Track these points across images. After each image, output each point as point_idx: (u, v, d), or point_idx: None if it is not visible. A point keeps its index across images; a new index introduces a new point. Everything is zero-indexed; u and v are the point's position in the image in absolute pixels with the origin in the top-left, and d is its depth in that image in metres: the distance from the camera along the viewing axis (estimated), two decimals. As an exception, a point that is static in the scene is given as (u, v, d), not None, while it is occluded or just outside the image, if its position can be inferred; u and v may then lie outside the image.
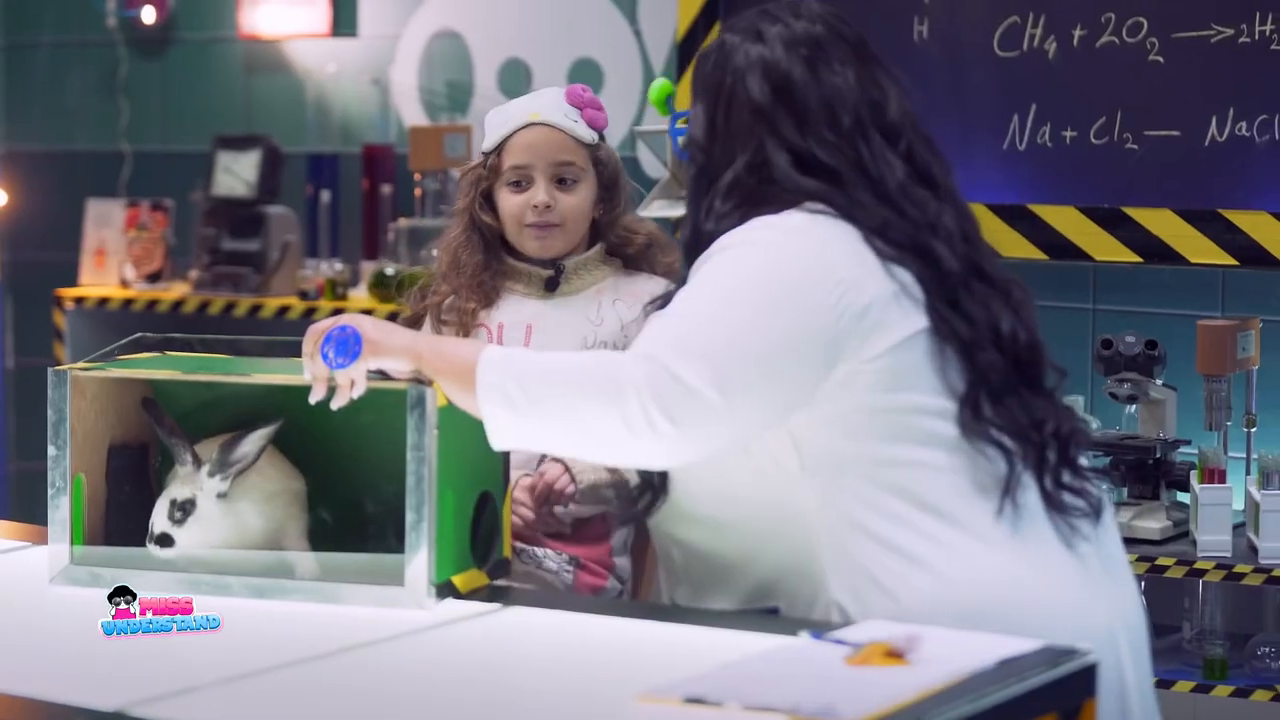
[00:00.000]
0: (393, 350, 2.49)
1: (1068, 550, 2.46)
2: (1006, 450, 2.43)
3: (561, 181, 3.13)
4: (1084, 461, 2.52)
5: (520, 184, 3.13)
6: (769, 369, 2.36)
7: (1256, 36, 4.11)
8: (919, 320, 2.42)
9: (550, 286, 3.15)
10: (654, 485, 2.56)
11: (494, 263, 3.16)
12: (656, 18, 4.96)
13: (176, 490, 2.65)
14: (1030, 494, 2.46)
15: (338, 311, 5.02)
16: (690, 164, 2.57)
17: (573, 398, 2.36)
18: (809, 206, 2.46)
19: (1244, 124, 4.14)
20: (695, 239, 2.51)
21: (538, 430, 2.40)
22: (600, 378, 2.35)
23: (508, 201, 3.14)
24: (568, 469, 2.99)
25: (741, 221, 2.46)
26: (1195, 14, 4.16)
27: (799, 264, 2.40)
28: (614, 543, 3.14)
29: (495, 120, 3.19)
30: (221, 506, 2.64)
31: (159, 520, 2.65)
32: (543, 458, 3.01)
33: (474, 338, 3.11)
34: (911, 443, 2.41)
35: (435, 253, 3.28)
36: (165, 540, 2.64)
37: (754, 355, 2.35)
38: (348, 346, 2.50)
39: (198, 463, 2.65)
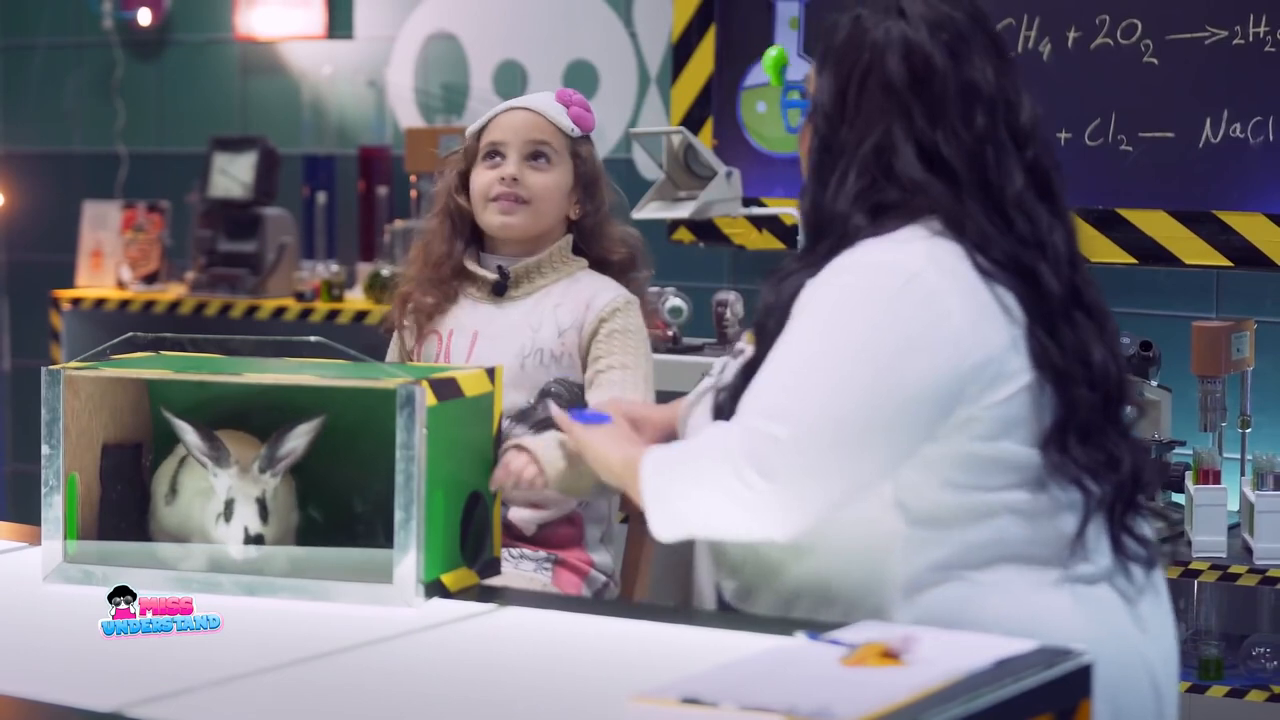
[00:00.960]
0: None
1: (1125, 602, 2.43)
2: (1086, 491, 2.38)
3: (534, 158, 3.14)
4: (1144, 505, 2.47)
5: (494, 158, 3.15)
6: (868, 428, 2.28)
7: (1250, 38, 4.11)
8: (1031, 371, 2.35)
9: (498, 291, 3.14)
10: None
11: (458, 254, 3.15)
12: (651, 20, 4.96)
13: (247, 489, 2.64)
14: (1100, 537, 2.41)
15: (334, 314, 5.04)
16: (814, 133, 2.44)
17: (693, 479, 2.32)
18: (927, 224, 2.37)
19: (1238, 125, 4.14)
20: (818, 215, 2.41)
21: (681, 518, 2.37)
22: (708, 453, 2.30)
23: (480, 178, 3.15)
24: (535, 459, 2.75)
25: (869, 210, 2.38)
26: (1189, 16, 4.17)
27: (910, 324, 2.30)
28: (588, 538, 3.14)
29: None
30: (274, 503, 2.66)
31: (251, 522, 2.65)
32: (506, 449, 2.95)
33: (424, 344, 3.13)
34: (1003, 489, 2.36)
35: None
36: (259, 540, 2.65)
37: (854, 415, 2.27)
38: None
39: (240, 464, 2.65)
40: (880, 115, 2.39)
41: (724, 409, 2.41)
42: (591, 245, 3.18)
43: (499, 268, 3.14)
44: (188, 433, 2.66)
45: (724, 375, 2.49)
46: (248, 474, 2.64)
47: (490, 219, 3.14)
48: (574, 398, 3.07)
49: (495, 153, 3.14)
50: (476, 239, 3.18)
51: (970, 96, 2.39)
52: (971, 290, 2.33)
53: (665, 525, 2.37)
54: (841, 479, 2.29)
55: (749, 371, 2.38)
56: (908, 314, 2.30)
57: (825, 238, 2.39)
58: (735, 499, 2.27)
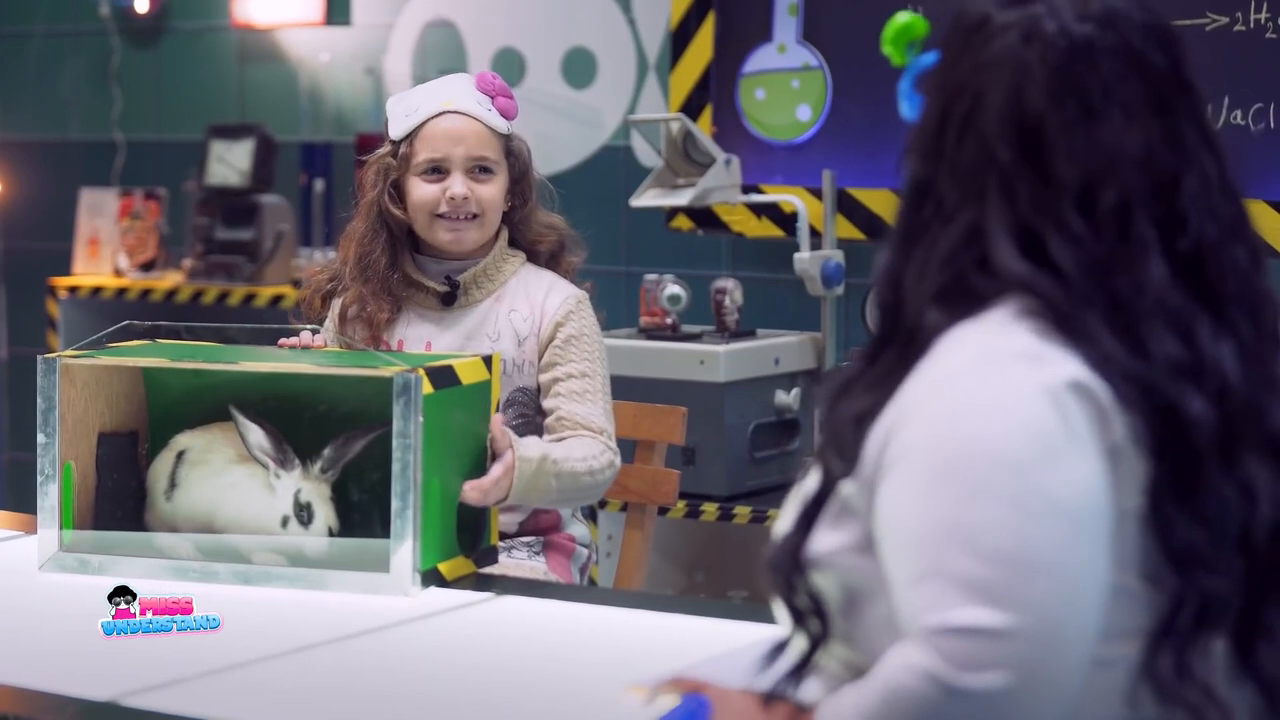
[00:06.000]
0: None
1: None
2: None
3: (479, 172, 3.04)
4: None
5: (435, 173, 3.03)
6: (1058, 570, 1.66)
7: (1251, 25, 4.10)
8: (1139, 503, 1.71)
9: (447, 301, 3.06)
10: (815, 628, 1.84)
11: (400, 264, 3.06)
12: (650, 6, 4.95)
13: (320, 490, 2.65)
14: None
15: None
16: (908, 175, 1.80)
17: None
18: (1031, 317, 1.72)
19: (1239, 113, 4.13)
20: (895, 300, 1.78)
21: None
22: (902, 699, 1.67)
23: (420, 192, 3.03)
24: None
25: (951, 307, 1.74)
26: (1190, 2, 4.16)
27: (1050, 419, 1.67)
28: (565, 515, 3.12)
29: (401, 108, 3.10)
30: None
31: (333, 522, 2.66)
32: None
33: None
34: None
35: (338, 251, 3.16)
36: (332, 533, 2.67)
37: (1040, 563, 1.66)
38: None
39: (302, 463, 2.65)
40: (975, 181, 1.74)
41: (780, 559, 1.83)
42: (520, 235, 3.12)
43: (448, 278, 3.06)
44: (253, 432, 2.65)
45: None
46: (309, 475, 2.64)
47: (438, 236, 3.04)
48: (537, 408, 3.04)
49: (436, 169, 3.03)
50: (412, 243, 3.10)
51: (1096, 170, 1.72)
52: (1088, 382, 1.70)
53: None
54: (1068, 644, 1.68)
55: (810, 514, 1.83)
56: (1040, 420, 1.68)
57: (895, 336, 1.78)
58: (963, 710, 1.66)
